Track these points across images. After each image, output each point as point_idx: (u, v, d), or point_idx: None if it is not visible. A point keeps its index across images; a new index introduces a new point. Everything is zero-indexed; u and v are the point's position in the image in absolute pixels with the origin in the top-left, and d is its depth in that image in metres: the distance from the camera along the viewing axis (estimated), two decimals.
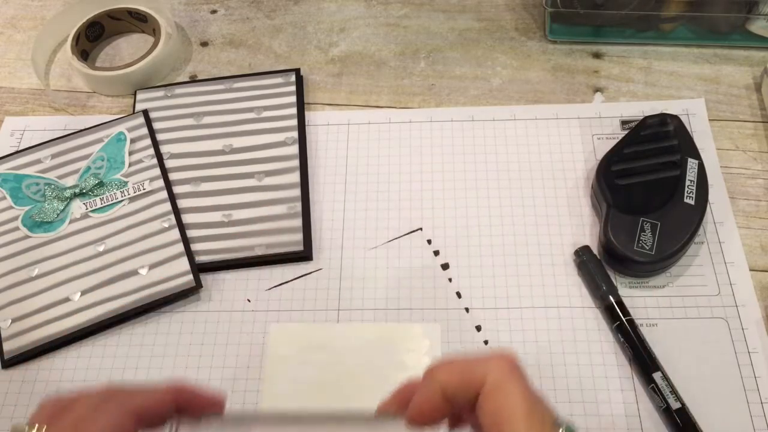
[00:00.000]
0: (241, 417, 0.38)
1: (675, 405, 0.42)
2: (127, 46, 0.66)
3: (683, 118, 0.54)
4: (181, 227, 0.52)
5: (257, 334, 0.48)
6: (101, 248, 0.51)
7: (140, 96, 0.60)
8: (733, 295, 0.47)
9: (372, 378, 0.46)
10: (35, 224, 0.53)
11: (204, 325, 0.49)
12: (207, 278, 0.51)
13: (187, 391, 0.35)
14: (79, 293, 0.49)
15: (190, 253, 0.51)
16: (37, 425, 0.33)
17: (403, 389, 0.34)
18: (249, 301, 0.49)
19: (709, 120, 0.56)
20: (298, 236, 0.51)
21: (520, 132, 0.57)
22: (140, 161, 0.56)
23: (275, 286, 0.50)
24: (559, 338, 0.46)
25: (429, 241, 0.51)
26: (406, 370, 0.46)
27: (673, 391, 0.42)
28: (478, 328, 0.47)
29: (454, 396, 0.31)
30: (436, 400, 0.31)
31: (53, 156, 0.56)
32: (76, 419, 0.33)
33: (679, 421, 0.42)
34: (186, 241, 0.51)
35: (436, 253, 0.51)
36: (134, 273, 0.50)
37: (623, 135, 0.53)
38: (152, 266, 0.50)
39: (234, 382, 0.46)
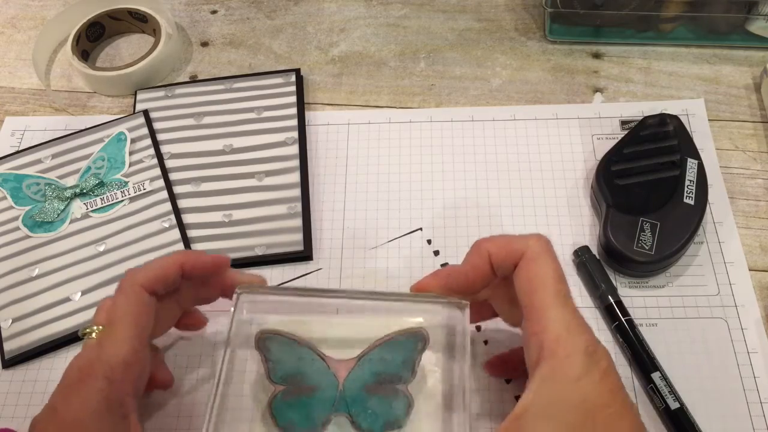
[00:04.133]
0: (284, 290, 0.42)
1: (674, 405, 0.42)
2: (127, 46, 0.66)
3: (683, 118, 0.54)
4: (182, 227, 0.52)
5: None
6: (102, 248, 0.52)
7: (140, 96, 0.60)
8: (733, 295, 0.47)
9: None
10: (36, 224, 0.53)
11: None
12: None
13: (190, 256, 0.40)
14: (80, 293, 0.50)
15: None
16: (97, 327, 0.39)
17: (434, 273, 0.39)
18: None
19: (709, 120, 0.56)
20: (298, 236, 0.51)
21: (519, 132, 0.57)
22: (141, 161, 0.56)
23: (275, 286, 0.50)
24: None
25: (429, 241, 0.51)
26: None
27: (672, 392, 0.43)
28: (478, 328, 0.47)
29: (498, 265, 0.37)
30: (485, 267, 0.37)
31: (54, 156, 0.56)
32: (107, 307, 0.39)
33: (678, 421, 0.42)
34: (186, 241, 0.51)
35: (436, 253, 0.51)
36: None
37: (623, 135, 0.53)
38: None
39: (230, 384, 0.46)
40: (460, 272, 0.38)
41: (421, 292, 0.39)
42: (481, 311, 0.42)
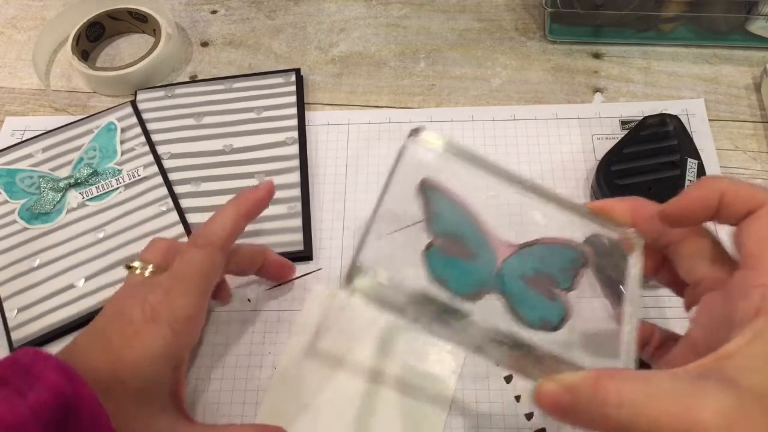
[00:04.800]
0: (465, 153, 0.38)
1: None
2: (127, 47, 0.66)
3: (683, 119, 0.54)
4: (179, 209, 0.53)
5: (257, 333, 0.48)
6: (101, 235, 0.52)
7: (140, 96, 0.60)
8: None
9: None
10: (32, 216, 0.53)
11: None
12: None
13: (245, 203, 0.42)
14: (83, 279, 0.50)
15: (190, 234, 0.52)
16: (151, 265, 0.41)
17: (620, 198, 0.36)
18: (249, 300, 0.50)
19: (709, 120, 0.56)
20: (298, 236, 0.51)
21: (520, 132, 0.57)
22: (132, 149, 0.56)
23: (275, 286, 0.50)
24: None
25: None
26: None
27: None
28: None
29: (729, 204, 0.32)
30: (711, 199, 0.32)
31: (44, 150, 0.57)
32: (164, 249, 0.42)
33: None
34: (185, 222, 0.52)
35: None
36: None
37: (623, 135, 0.53)
38: None
39: (234, 381, 0.46)
40: (683, 198, 0.33)
41: (597, 211, 0.35)
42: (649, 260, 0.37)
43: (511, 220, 0.38)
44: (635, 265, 0.35)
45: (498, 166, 0.37)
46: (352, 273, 0.32)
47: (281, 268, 0.49)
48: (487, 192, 0.38)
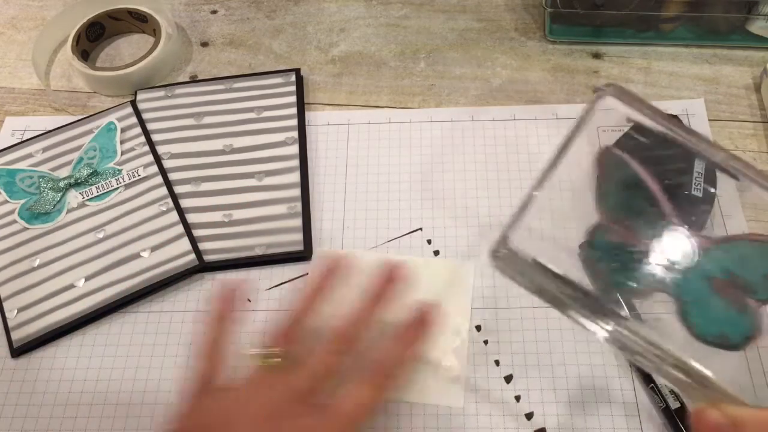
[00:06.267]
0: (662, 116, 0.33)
1: (674, 405, 0.42)
2: (127, 47, 0.66)
3: (683, 119, 0.54)
4: (179, 209, 0.53)
5: (257, 333, 0.48)
6: (101, 235, 0.52)
7: (140, 96, 0.60)
8: None
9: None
10: (33, 216, 0.53)
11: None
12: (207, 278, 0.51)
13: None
14: (83, 279, 0.50)
15: (190, 234, 0.52)
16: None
17: None
18: (249, 300, 0.50)
19: (709, 120, 0.56)
20: (298, 236, 0.51)
21: (520, 132, 0.57)
22: (132, 149, 0.56)
23: (275, 286, 0.50)
24: (559, 338, 0.46)
25: (429, 241, 0.51)
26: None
27: (673, 391, 0.42)
28: (478, 328, 0.47)
29: None
30: None
31: (44, 150, 0.57)
32: None
33: (678, 420, 0.42)
34: (185, 222, 0.52)
35: (436, 253, 0.51)
36: (137, 256, 0.51)
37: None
38: (154, 249, 0.51)
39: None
40: None
41: None
42: None
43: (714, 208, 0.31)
44: None
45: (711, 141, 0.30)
46: (498, 246, 0.29)
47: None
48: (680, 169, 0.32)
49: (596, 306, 0.28)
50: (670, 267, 0.30)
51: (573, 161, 0.31)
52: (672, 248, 0.30)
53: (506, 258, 0.29)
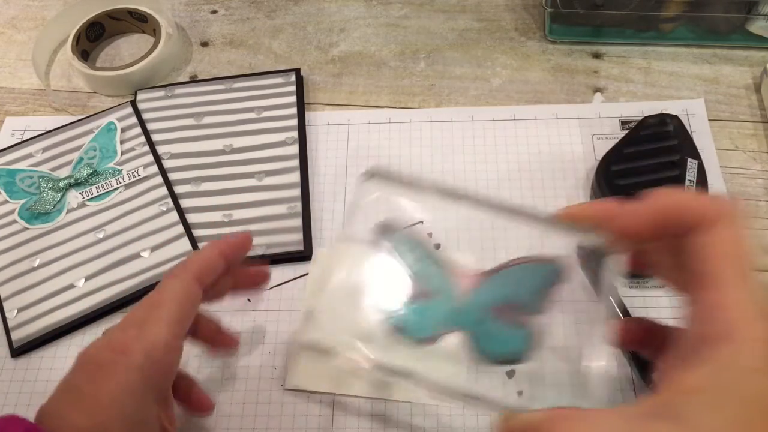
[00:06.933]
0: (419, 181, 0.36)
1: None
2: (127, 46, 0.66)
3: (683, 118, 0.54)
4: (179, 209, 0.53)
5: (257, 333, 0.48)
6: (101, 235, 0.52)
7: (140, 96, 0.60)
8: None
9: None
10: (32, 216, 0.53)
11: None
12: None
13: (223, 242, 0.40)
14: (83, 279, 0.50)
15: (190, 234, 0.52)
16: None
17: (593, 204, 0.33)
18: (249, 301, 0.50)
19: (709, 120, 0.56)
20: (298, 236, 0.51)
21: (520, 132, 0.57)
22: (132, 149, 0.56)
23: (275, 286, 0.50)
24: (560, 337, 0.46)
25: (430, 234, 0.51)
26: None
27: None
28: None
29: (674, 220, 0.30)
30: (656, 218, 0.30)
31: (44, 150, 0.57)
32: (153, 293, 0.38)
33: None
34: (185, 222, 0.52)
35: (437, 246, 0.51)
36: (137, 256, 0.51)
37: (623, 135, 0.53)
38: (154, 249, 0.51)
39: (234, 381, 0.46)
40: (627, 215, 0.32)
41: (568, 219, 0.33)
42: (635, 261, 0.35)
43: (484, 245, 0.38)
44: (609, 268, 0.33)
45: (464, 193, 0.36)
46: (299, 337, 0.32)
47: (255, 276, 0.45)
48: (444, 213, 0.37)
49: (388, 373, 0.33)
50: (454, 308, 0.35)
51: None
52: (453, 292, 0.35)
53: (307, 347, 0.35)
